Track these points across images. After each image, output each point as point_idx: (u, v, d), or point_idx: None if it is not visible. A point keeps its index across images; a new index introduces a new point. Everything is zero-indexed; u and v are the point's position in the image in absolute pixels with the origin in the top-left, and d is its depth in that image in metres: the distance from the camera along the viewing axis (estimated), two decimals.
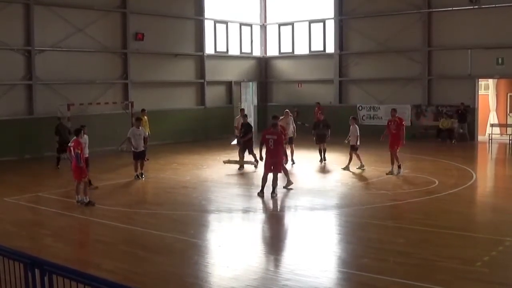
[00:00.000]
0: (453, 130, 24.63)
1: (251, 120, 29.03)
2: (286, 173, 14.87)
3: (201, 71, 28.03)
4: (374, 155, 19.79)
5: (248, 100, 31.21)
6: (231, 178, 17.11)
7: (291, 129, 19.22)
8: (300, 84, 30.12)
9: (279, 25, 30.90)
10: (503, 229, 10.79)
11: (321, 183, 16.37)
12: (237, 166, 18.33)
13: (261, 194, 13.76)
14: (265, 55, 31.48)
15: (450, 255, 8.98)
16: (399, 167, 16.50)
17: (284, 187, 14.47)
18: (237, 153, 18.68)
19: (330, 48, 28.93)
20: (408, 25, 26.09)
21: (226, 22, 29.20)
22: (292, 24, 30.37)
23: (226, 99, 29.49)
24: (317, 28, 29.54)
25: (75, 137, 13.30)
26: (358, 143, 17.53)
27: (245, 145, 18.30)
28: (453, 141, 24.22)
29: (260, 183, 13.96)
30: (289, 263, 8.95)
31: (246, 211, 12.99)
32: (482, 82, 26.16)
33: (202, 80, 28.03)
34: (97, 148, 19.89)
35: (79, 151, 12.86)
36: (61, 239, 10.68)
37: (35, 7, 21.69)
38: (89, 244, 10.87)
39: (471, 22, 24.54)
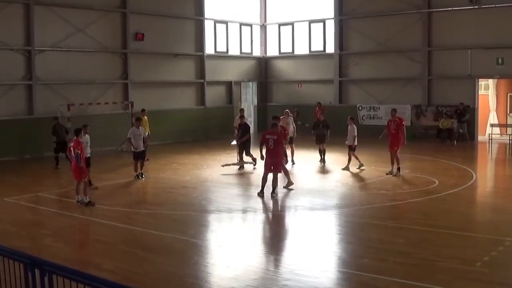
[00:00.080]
0: (452, 130, 24.61)
1: (251, 120, 29.07)
2: (287, 173, 14.87)
3: (201, 71, 28.02)
4: (374, 155, 19.80)
5: (248, 100, 31.21)
6: (231, 178, 17.11)
7: (291, 129, 19.21)
8: (300, 84, 30.11)
9: (279, 25, 30.88)
10: (503, 229, 10.80)
11: (321, 183, 16.38)
12: (236, 166, 18.33)
13: (261, 194, 13.76)
14: (265, 55, 31.47)
15: (450, 255, 8.98)
16: (398, 169, 16.47)
17: (284, 187, 14.48)
18: (236, 153, 18.66)
19: (330, 48, 28.92)
20: (408, 25, 26.08)
21: (226, 22, 29.19)
22: (292, 24, 30.36)
23: (226, 99, 29.48)
24: (317, 28, 29.53)
25: (75, 137, 13.31)
26: (356, 143, 17.53)
27: (242, 146, 18.26)
28: (454, 142, 24.18)
29: (260, 183, 13.97)
30: (289, 263, 8.95)
31: (246, 211, 12.99)
32: (482, 82, 26.15)
33: (202, 80, 28.02)
34: (97, 148, 19.80)
35: (79, 151, 12.87)
36: (61, 239, 10.68)
37: (35, 7, 21.69)
38: (89, 244, 10.87)
39: (471, 22, 24.52)
